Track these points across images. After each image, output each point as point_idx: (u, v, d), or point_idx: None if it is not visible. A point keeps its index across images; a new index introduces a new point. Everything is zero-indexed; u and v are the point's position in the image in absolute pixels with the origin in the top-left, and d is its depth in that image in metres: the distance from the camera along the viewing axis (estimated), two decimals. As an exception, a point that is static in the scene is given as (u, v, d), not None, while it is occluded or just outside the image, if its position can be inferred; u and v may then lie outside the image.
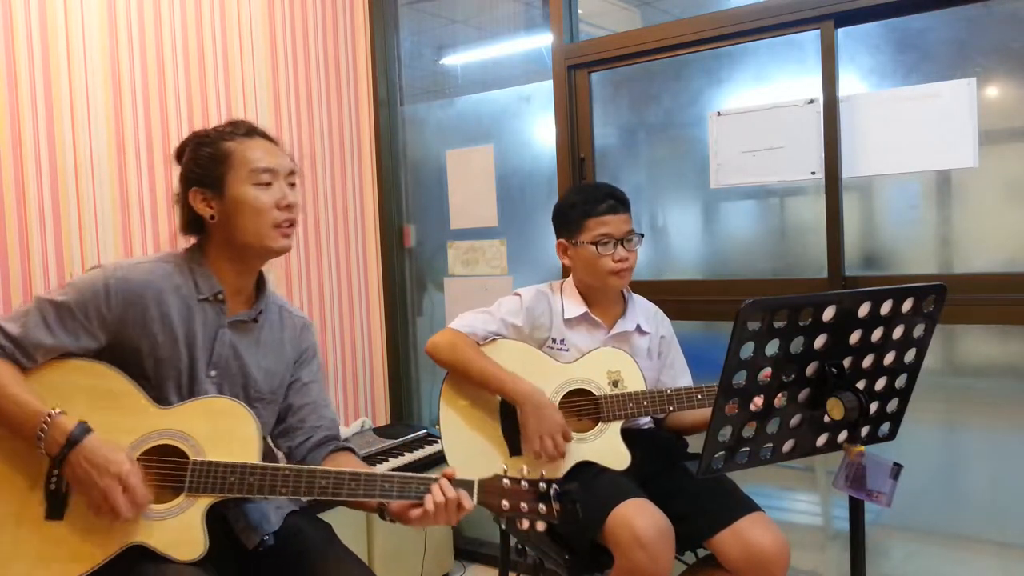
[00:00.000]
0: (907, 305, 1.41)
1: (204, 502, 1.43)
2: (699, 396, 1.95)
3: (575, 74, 2.74)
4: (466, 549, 3.12)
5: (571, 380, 2.02)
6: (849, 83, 2.27)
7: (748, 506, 1.86)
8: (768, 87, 2.42)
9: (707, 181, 2.49)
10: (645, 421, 2.15)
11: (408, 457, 2.76)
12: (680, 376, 2.19)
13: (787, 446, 1.44)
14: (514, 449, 1.99)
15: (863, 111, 2.23)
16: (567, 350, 2.07)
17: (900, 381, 1.49)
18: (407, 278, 3.29)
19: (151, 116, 2.49)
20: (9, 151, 2.18)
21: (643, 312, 2.17)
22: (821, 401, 1.41)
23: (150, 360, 1.49)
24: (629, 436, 1.98)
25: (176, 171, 1.62)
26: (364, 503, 1.53)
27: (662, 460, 2.06)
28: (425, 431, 2.98)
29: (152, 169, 2.48)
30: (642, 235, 2.10)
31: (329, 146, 3.06)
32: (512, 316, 2.08)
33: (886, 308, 1.40)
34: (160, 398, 1.49)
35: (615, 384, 2.01)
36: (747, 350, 1.32)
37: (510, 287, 2.88)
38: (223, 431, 1.47)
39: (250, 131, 1.59)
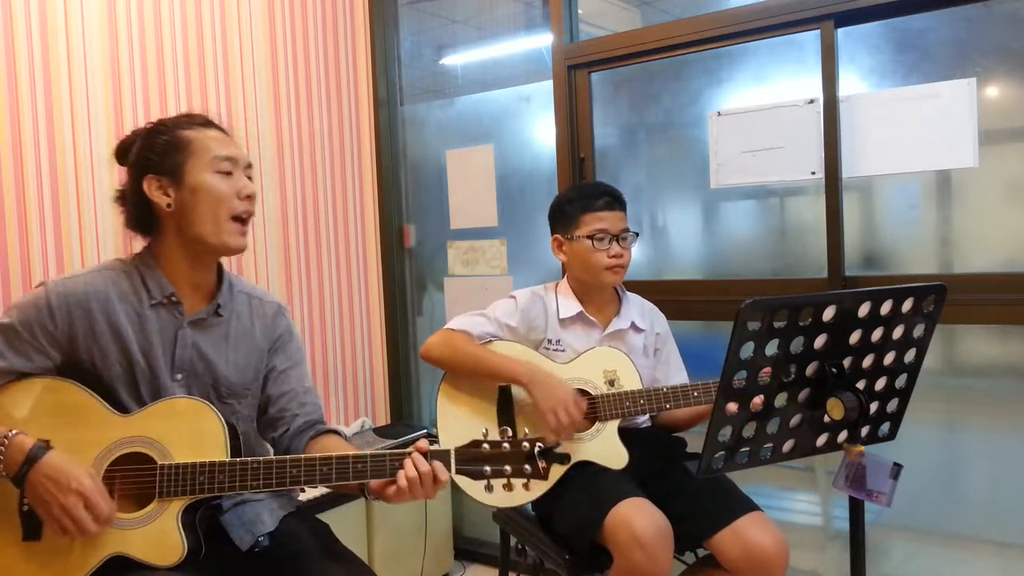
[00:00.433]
0: (907, 305, 1.41)
1: (177, 505, 1.42)
2: (695, 394, 1.95)
3: (575, 74, 2.74)
4: (466, 549, 3.12)
5: (567, 380, 2.01)
6: (849, 83, 2.27)
7: (747, 506, 1.86)
8: (768, 87, 2.42)
9: (707, 181, 2.49)
10: (643, 420, 2.15)
11: (408, 457, 2.76)
12: (675, 373, 2.19)
13: (787, 446, 1.44)
14: None
15: (863, 111, 2.23)
16: (563, 351, 2.08)
17: (900, 381, 1.49)
18: (407, 278, 3.29)
19: (151, 116, 2.48)
20: (9, 151, 2.18)
21: (637, 309, 2.17)
22: (821, 401, 1.41)
23: (106, 372, 1.47)
24: (628, 436, 1.98)
25: (109, 171, 1.57)
26: (344, 485, 1.49)
27: (661, 460, 2.06)
28: (425, 431, 2.98)
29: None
30: (637, 233, 2.11)
31: (329, 146, 3.06)
32: (507, 317, 2.08)
33: (886, 308, 1.40)
34: (123, 409, 1.47)
35: (611, 383, 2.01)
36: (747, 350, 1.32)
37: (510, 287, 2.88)
38: (188, 431, 1.45)
39: (207, 122, 1.56)
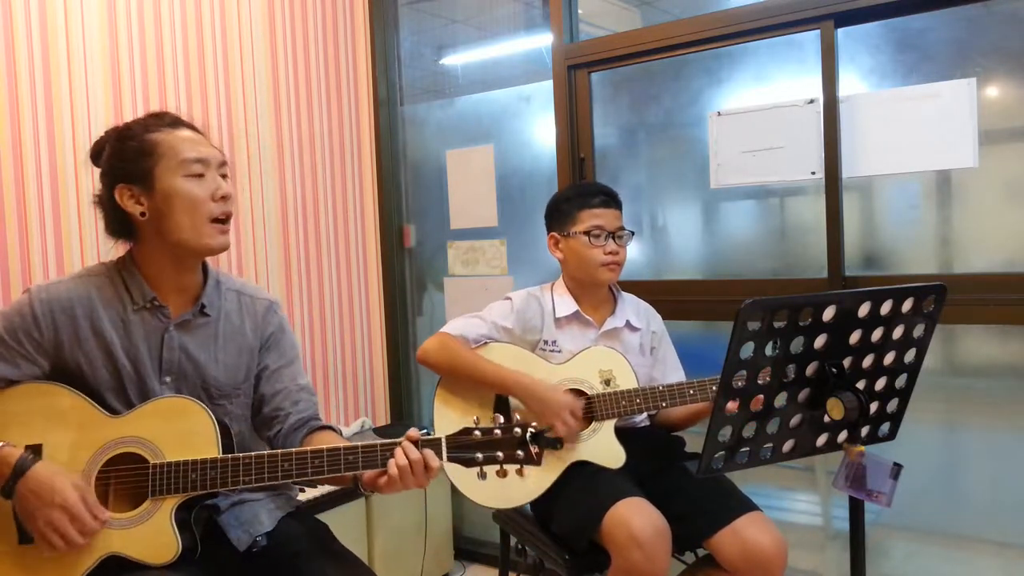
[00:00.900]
0: (907, 305, 1.41)
1: (170, 503, 1.42)
2: (691, 392, 1.95)
3: (575, 74, 2.74)
4: (466, 549, 3.12)
5: (563, 381, 2.01)
6: (849, 83, 2.27)
7: (746, 506, 1.86)
8: (768, 87, 2.42)
9: (707, 181, 2.49)
10: (641, 419, 2.15)
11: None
12: (671, 372, 2.20)
13: (787, 446, 1.44)
14: None
15: (863, 111, 2.22)
16: (559, 351, 2.08)
17: (900, 381, 1.49)
18: (407, 278, 3.29)
19: (151, 116, 2.48)
20: (9, 151, 2.18)
21: (632, 308, 2.17)
22: (821, 401, 1.41)
23: (93, 378, 1.46)
24: (626, 435, 1.98)
25: (92, 172, 1.54)
26: (339, 478, 1.48)
27: (660, 459, 2.06)
28: (425, 431, 2.97)
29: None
30: (632, 232, 2.12)
31: (329, 146, 3.06)
32: (502, 319, 2.08)
33: (886, 308, 1.40)
34: (112, 411, 1.47)
35: (607, 383, 2.01)
36: (747, 350, 1.32)
37: (510, 287, 2.88)
38: (179, 430, 1.45)
39: (175, 122, 1.51)
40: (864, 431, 1.46)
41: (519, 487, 1.84)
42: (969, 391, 2.29)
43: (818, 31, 2.25)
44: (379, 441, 1.43)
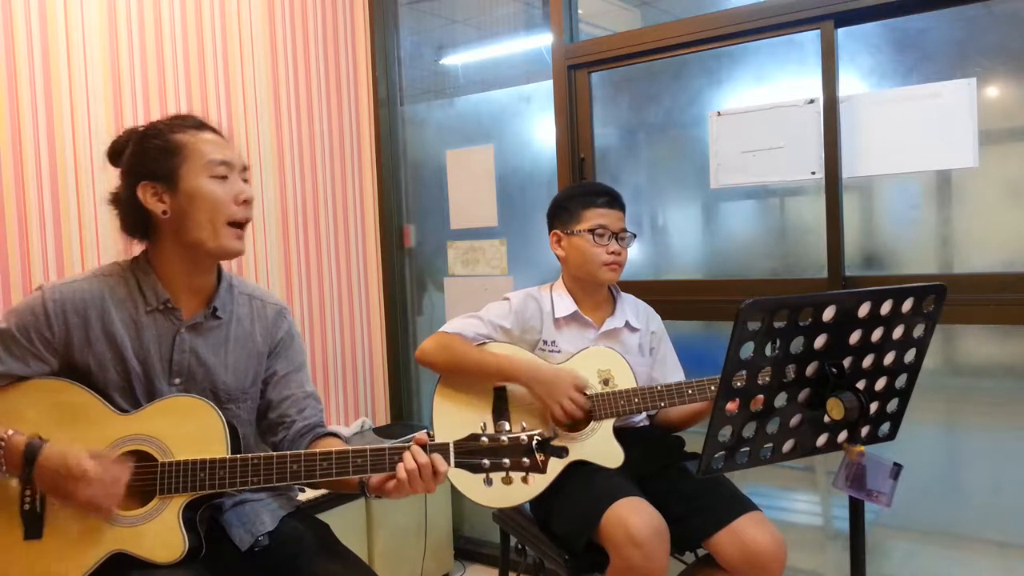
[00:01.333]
0: (907, 305, 1.41)
1: (178, 502, 1.42)
2: (689, 391, 1.95)
3: (575, 74, 2.74)
4: (466, 549, 3.12)
5: None
6: (849, 83, 2.27)
7: (745, 505, 1.86)
8: (768, 87, 2.42)
9: (707, 181, 2.49)
10: (640, 419, 2.15)
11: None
12: (672, 373, 2.19)
13: (787, 446, 1.44)
14: None
15: (863, 111, 2.22)
16: (558, 351, 2.08)
17: (900, 381, 1.49)
18: (407, 278, 3.29)
19: (151, 116, 2.48)
20: (9, 151, 2.18)
21: (632, 308, 2.18)
22: (821, 401, 1.41)
23: (102, 377, 1.47)
24: (625, 435, 1.98)
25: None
26: (344, 483, 1.50)
27: (659, 459, 2.06)
28: (425, 431, 2.97)
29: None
30: (635, 235, 2.13)
31: (329, 146, 3.06)
32: (501, 319, 2.08)
33: (886, 308, 1.39)
34: (121, 409, 1.47)
35: (606, 383, 2.01)
36: (747, 350, 1.32)
37: (510, 287, 2.88)
38: (188, 429, 1.45)
39: (200, 124, 1.52)
40: (864, 431, 1.46)
41: (518, 487, 1.84)
42: (969, 391, 2.29)
43: (818, 31, 2.25)
44: (387, 444, 1.44)
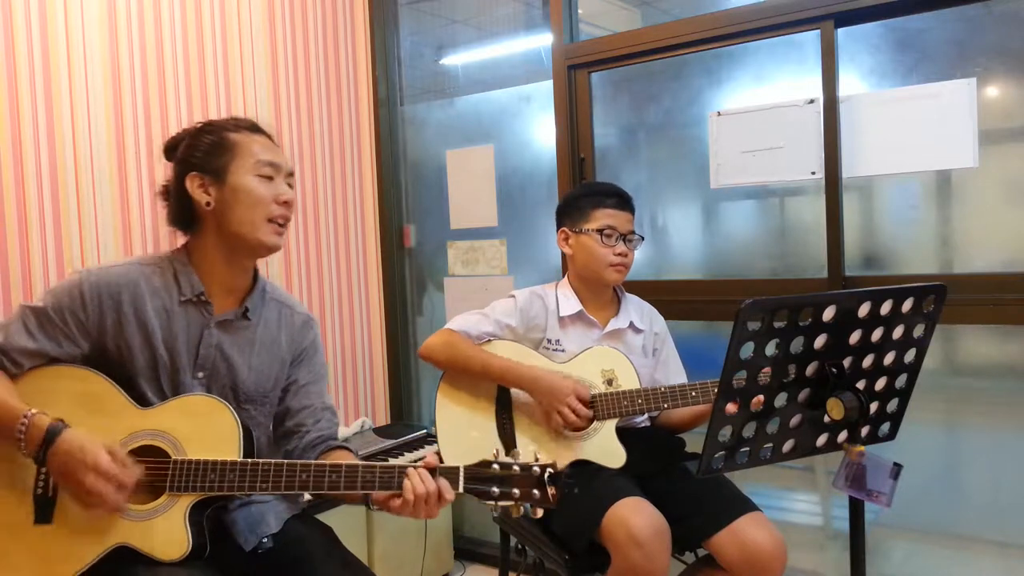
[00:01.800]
0: (907, 305, 1.41)
1: (186, 501, 1.43)
2: (693, 393, 1.95)
3: (575, 74, 2.74)
4: (466, 549, 3.12)
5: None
6: (849, 83, 2.27)
7: (746, 506, 1.86)
8: (768, 87, 2.42)
9: (707, 181, 2.49)
10: (642, 420, 2.15)
11: (408, 457, 2.77)
12: (674, 375, 2.20)
13: (787, 446, 1.44)
14: (509, 449, 2.00)
15: (863, 111, 2.22)
16: (563, 351, 2.08)
17: (900, 381, 1.49)
18: (407, 278, 3.29)
19: (151, 116, 2.49)
20: (9, 151, 2.18)
21: (636, 310, 2.18)
22: (821, 401, 1.41)
23: (130, 364, 1.48)
24: (627, 436, 1.98)
25: (163, 168, 1.60)
26: (348, 494, 1.52)
27: (661, 460, 2.06)
28: (425, 431, 2.98)
29: (152, 169, 2.48)
30: (642, 237, 2.13)
31: (329, 146, 3.06)
32: (506, 317, 2.09)
33: (886, 308, 1.39)
34: (144, 401, 1.48)
35: (609, 383, 2.01)
36: (747, 350, 1.32)
37: (510, 287, 2.87)
38: (204, 429, 1.46)
39: (254, 127, 1.59)
40: (864, 431, 1.46)
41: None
42: (969, 391, 2.29)
43: (818, 31, 2.25)
44: (397, 464, 1.45)
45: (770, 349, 1.34)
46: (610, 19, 2.87)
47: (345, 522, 2.53)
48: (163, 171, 2.51)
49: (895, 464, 1.45)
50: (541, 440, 2.00)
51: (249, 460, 1.45)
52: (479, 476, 1.42)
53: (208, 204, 1.51)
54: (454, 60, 3.22)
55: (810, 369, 1.40)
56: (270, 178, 1.53)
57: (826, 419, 1.42)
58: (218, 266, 1.55)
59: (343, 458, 1.60)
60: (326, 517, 1.79)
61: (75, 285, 1.47)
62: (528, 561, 2.17)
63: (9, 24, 2.18)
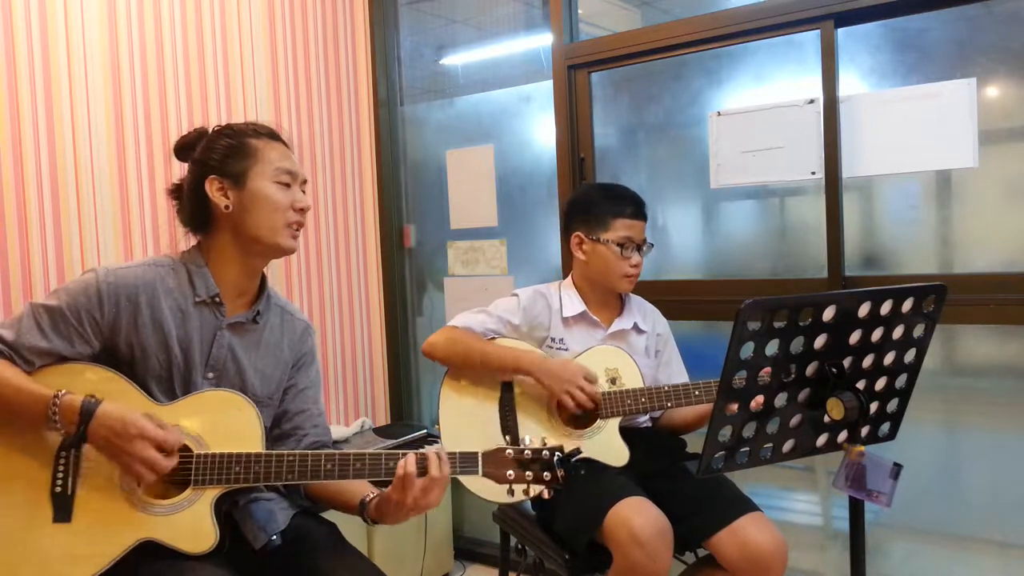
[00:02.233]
0: (907, 305, 1.41)
1: (211, 493, 1.45)
2: (696, 392, 1.96)
3: (575, 74, 2.74)
4: (466, 549, 3.12)
5: None
6: (849, 83, 2.27)
7: (746, 506, 1.86)
8: (768, 87, 2.42)
9: (707, 181, 2.49)
10: (643, 420, 2.15)
11: (408, 457, 2.76)
12: (676, 375, 2.20)
13: (787, 446, 1.44)
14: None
15: (863, 111, 2.22)
16: (566, 349, 2.08)
17: (900, 381, 1.49)
18: (407, 278, 3.29)
19: (151, 116, 2.49)
20: (9, 151, 2.18)
21: (639, 310, 2.18)
22: (821, 401, 1.41)
23: (142, 365, 1.49)
24: (628, 435, 1.99)
25: (164, 168, 1.61)
26: (346, 502, 1.58)
27: (662, 460, 2.07)
28: (425, 431, 2.98)
29: (152, 169, 2.48)
30: (652, 244, 2.11)
31: (329, 146, 3.06)
32: (510, 315, 2.09)
33: (886, 308, 1.39)
34: (156, 399, 1.49)
35: (613, 381, 2.01)
36: (747, 350, 1.32)
37: (510, 287, 2.88)
38: (225, 423, 1.48)
39: (272, 134, 1.63)
40: (864, 431, 1.46)
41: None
42: (969, 391, 2.29)
43: (818, 31, 2.25)
44: (415, 451, 1.48)
45: (770, 349, 1.34)
46: (610, 19, 2.87)
47: (346, 521, 2.52)
48: (163, 171, 2.52)
49: (895, 464, 1.45)
50: (545, 437, 2.00)
51: (273, 452, 1.47)
52: (495, 460, 1.48)
53: (227, 208, 1.54)
54: (454, 60, 3.22)
55: (810, 369, 1.40)
56: (287, 185, 1.57)
57: (826, 419, 1.42)
58: (232, 268, 1.58)
59: None
60: (328, 515, 1.78)
61: (91, 285, 1.47)
62: (528, 561, 2.17)
63: (9, 24, 2.18)
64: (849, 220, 2.30)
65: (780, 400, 1.40)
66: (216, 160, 1.55)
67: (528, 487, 1.47)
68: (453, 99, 3.16)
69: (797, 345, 1.37)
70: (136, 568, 1.40)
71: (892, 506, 1.45)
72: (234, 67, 2.73)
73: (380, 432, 3.00)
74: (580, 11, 2.76)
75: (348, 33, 3.15)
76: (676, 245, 2.69)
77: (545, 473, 1.46)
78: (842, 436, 1.46)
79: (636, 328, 2.14)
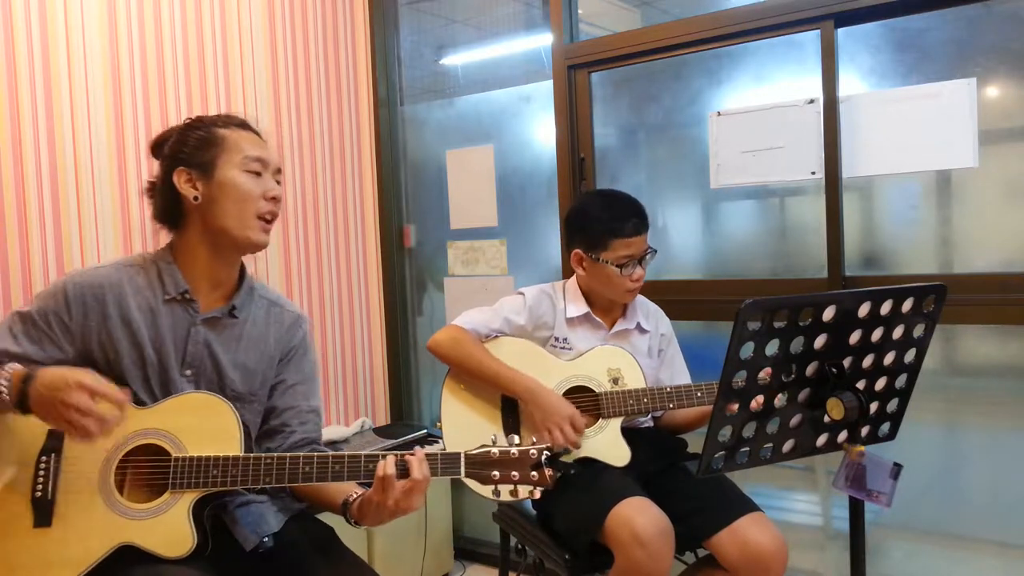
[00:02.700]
0: (907, 305, 1.41)
1: (189, 497, 1.44)
2: (699, 394, 1.96)
3: (575, 74, 2.73)
4: (466, 549, 3.12)
5: (571, 377, 2.02)
6: (849, 83, 2.27)
7: (747, 506, 1.87)
8: (768, 87, 2.42)
9: (707, 181, 2.49)
10: (645, 420, 2.15)
11: (408, 457, 2.76)
12: (679, 376, 2.20)
13: (787, 446, 1.44)
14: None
15: (863, 111, 2.22)
16: (570, 349, 2.08)
17: (900, 381, 1.49)
18: (407, 278, 3.28)
19: (151, 116, 2.49)
20: (9, 151, 2.18)
21: (643, 311, 2.18)
22: (821, 401, 1.41)
23: (117, 366, 1.48)
24: (630, 435, 1.99)
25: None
26: (331, 502, 1.54)
27: (663, 460, 2.07)
28: (425, 431, 2.98)
29: (152, 169, 2.47)
30: (655, 250, 2.08)
31: (329, 146, 3.06)
32: (515, 314, 2.09)
33: (886, 308, 1.39)
34: (137, 402, 1.48)
35: (615, 381, 2.01)
36: (747, 350, 1.32)
37: (510, 287, 2.88)
38: (203, 426, 1.47)
39: (243, 124, 1.59)
40: (864, 431, 1.46)
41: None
42: (969, 391, 2.29)
43: (818, 31, 2.25)
44: (396, 452, 1.46)
45: (770, 349, 1.34)
46: (610, 19, 2.87)
47: (345, 523, 2.53)
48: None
49: (895, 464, 1.45)
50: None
51: (251, 455, 1.45)
52: (479, 460, 1.45)
53: (195, 199, 1.50)
54: (454, 60, 3.22)
55: (810, 369, 1.40)
56: (258, 174, 1.53)
57: (826, 419, 1.42)
58: (203, 261, 1.54)
59: None
60: (326, 516, 1.78)
61: (59, 289, 1.47)
62: (528, 561, 2.17)
63: (9, 24, 2.18)
64: (849, 220, 2.29)
65: (780, 400, 1.40)
66: (184, 152, 1.52)
67: (515, 488, 1.44)
68: (453, 99, 3.16)
69: (797, 345, 1.37)
70: (116, 572, 1.39)
71: (892, 506, 1.45)
72: (234, 67, 2.73)
73: (380, 432, 2.99)
74: (580, 11, 2.76)
75: (348, 33, 3.15)
76: (676, 245, 2.69)
77: (532, 473, 1.43)
78: (842, 436, 1.46)
79: (639, 328, 2.14)
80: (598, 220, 2.04)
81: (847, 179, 2.27)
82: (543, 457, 1.43)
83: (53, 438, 1.41)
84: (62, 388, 1.30)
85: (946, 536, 2.34)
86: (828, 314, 1.36)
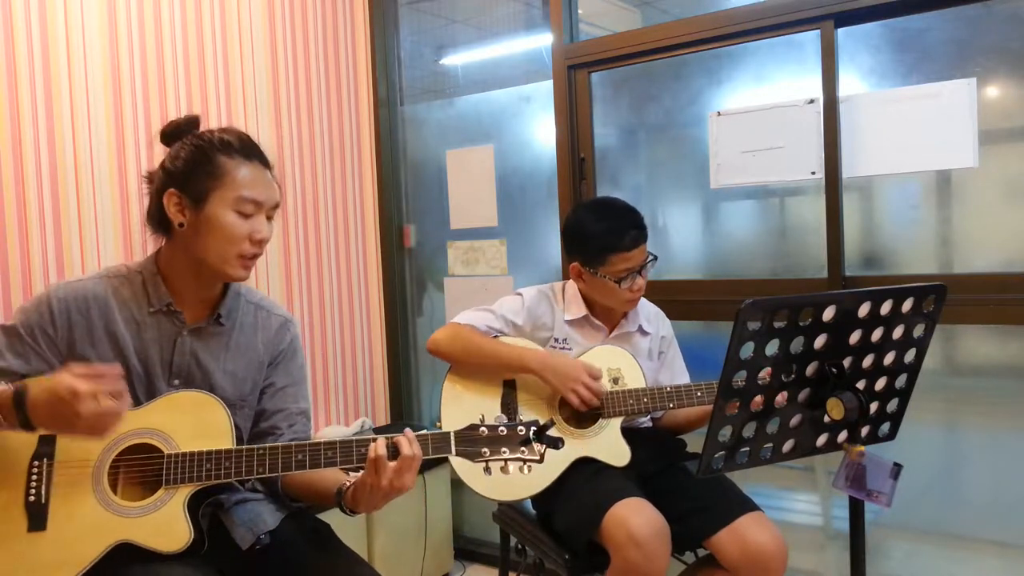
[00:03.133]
0: (907, 305, 1.41)
1: (184, 492, 1.44)
2: (699, 394, 1.96)
3: (575, 74, 2.73)
4: (466, 549, 3.12)
5: None
6: (849, 83, 2.27)
7: (746, 505, 1.87)
8: (768, 87, 2.42)
9: (707, 181, 2.49)
10: (644, 420, 2.15)
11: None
12: (678, 378, 2.20)
13: (787, 446, 1.44)
14: None
15: (863, 111, 2.22)
16: (570, 349, 2.08)
17: (900, 381, 1.49)
18: (407, 278, 3.28)
19: (151, 116, 2.49)
20: (9, 151, 2.18)
21: (644, 313, 2.17)
22: (821, 401, 1.41)
23: None
24: (630, 436, 1.98)
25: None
26: (324, 494, 1.54)
27: (663, 460, 2.07)
28: (425, 430, 2.98)
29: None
30: (656, 257, 2.07)
31: (329, 146, 3.06)
32: (513, 315, 2.09)
33: (886, 308, 1.39)
34: None
35: (615, 381, 2.01)
36: (747, 350, 1.32)
37: (510, 287, 2.88)
38: (194, 422, 1.47)
39: (249, 153, 1.52)
40: (864, 431, 1.46)
41: (522, 481, 1.84)
42: (969, 391, 2.29)
43: (818, 31, 2.25)
44: (389, 435, 1.46)
45: (770, 349, 1.34)
46: (610, 19, 2.87)
47: (345, 521, 2.53)
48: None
49: (895, 464, 1.45)
50: None
51: (243, 447, 1.46)
52: (468, 438, 1.46)
53: (181, 225, 1.48)
54: (454, 60, 3.22)
55: (810, 369, 1.40)
56: (249, 215, 1.48)
57: (826, 419, 1.42)
58: (187, 280, 1.53)
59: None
60: (326, 516, 1.78)
61: (43, 302, 1.46)
62: (528, 561, 2.17)
63: (9, 24, 2.18)
64: (849, 220, 2.30)
65: (780, 400, 1.40)
66: (181, 172, 1.48)
67: (505, 464, 1.44)
68: (453, 99, 3.16)
69: (797, 345, 1.37)
70: (112, 571, 1.39)
71: (892, 506, 1.45)
72: (234, 67, 2.73)
73: (380, 432, 2.98)
74: (580, 11, 2.76)
75: (348, 33, 3.15)
76: (676, 245, 2.69)
77: (522, 449, 1.44)
78: (842, 436, 1.46)
79: (640, 330, 2.14)
80: (594, 236, 2.02)
81: (847, 179, 2.27)
82: (531, 432, 1.45)
83: (44, 443, 1.40)
84: (60, 396, 1.26)
85: (946, 536, 2.34)
86: (828, 314, 1.36)
